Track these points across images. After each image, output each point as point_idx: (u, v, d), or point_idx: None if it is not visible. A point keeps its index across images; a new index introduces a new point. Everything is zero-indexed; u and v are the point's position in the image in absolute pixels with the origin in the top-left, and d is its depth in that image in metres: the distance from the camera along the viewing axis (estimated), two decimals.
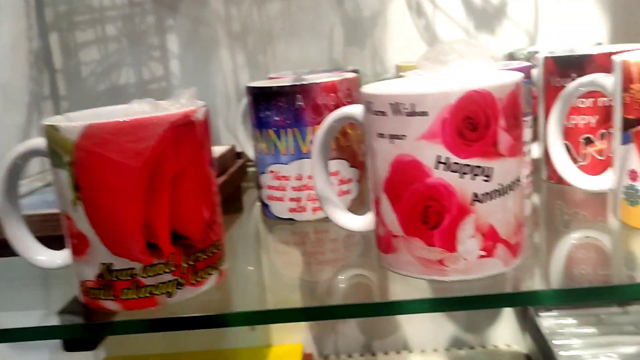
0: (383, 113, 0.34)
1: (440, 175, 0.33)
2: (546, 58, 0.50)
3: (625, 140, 0.39)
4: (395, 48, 0.64)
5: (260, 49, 0.68)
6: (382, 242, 0.37)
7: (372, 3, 0.63)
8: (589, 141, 0.48)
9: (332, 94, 0.47)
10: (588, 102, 0.48)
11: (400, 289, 0.36)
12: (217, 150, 0.57)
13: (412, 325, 0.74)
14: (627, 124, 0.38)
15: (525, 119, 0.43)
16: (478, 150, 0.33)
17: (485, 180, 0.33)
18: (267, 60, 0.68)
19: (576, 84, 0.42)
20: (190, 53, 0.66)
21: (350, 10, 0.65)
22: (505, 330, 0.73)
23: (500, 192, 0.34)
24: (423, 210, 0.34)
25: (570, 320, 0.67)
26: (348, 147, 0.49)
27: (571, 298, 0.35)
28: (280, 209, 0.50)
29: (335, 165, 0.48)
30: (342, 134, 0.48)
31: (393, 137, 0.34)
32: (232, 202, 0.55)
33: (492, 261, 0.34)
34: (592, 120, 0.48)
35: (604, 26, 0.63)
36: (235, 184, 0.58)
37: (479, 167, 0.33)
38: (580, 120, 0.48)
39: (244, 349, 0.76)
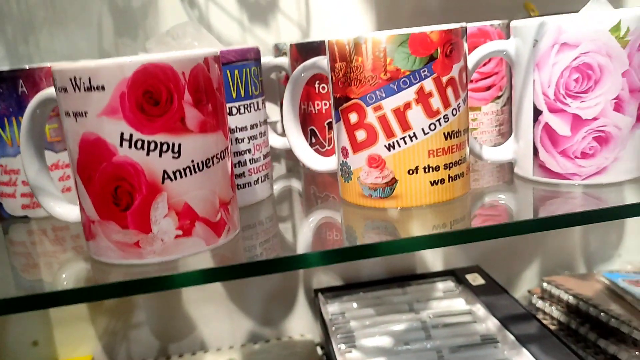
0: (65, 89, 0.32)
1: (126, 153, 0.32)
2: (291, 46, 0.52)
3: (337, 119, 0.40)
4: None
5: (21, 38, 0.62)
6: (85, 229, 0.35)
7: None
8: (332, 126, 0.50)
9: None
10: (328, 87, 0.49)
11: (101, 277, 0.34)
12: None
13: (209, 325, 0.72)
14: (336, 103, 0.40)
15: (255, 99, 0.43)
16: (163, 125, 0.32)
17: (175, 157, 0.32)
18: (30, 50, 0.63)
19: (301, 68, 0.43)
20: None
21: (118, 0, 0.63)
22: (300, 321, 0.74)
23: (194, 169, 0.33)
24: (114, 192, 0.32)
25: (354, 305, 0.69)
26: None
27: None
28: (13, 206, 0.46)
29: None
30: None
31: (76, 114, 0.32)
32: None
33: (191, 240, 0.34)
34: None
35: (370, 18, 0.66)
36: None
37: (165, 143, 0.32)
38: (323, 106, 0.50)
39: None
